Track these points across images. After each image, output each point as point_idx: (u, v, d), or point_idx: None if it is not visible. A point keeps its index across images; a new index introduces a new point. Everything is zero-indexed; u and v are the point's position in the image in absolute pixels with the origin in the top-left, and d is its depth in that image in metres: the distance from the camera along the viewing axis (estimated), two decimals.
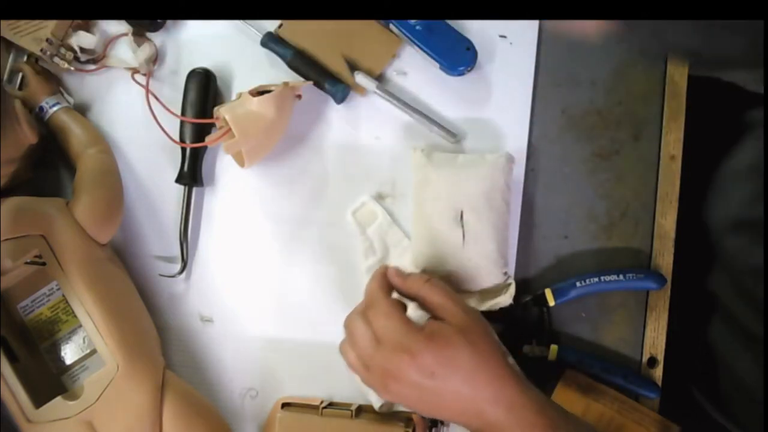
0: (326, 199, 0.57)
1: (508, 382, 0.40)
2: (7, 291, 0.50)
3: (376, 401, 0.53)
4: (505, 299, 0.52)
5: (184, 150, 0.56)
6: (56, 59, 0.57)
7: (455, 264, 0.52)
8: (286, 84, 0.54)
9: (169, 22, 0.59)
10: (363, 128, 0.58)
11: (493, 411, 0.39)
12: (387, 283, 0.46)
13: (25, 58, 0.58)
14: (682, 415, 0.52)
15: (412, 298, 0.46)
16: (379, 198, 0.57)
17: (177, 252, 0.57)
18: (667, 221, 0.55)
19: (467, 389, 0.40)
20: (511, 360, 0.43)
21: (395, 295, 0.46)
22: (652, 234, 0.55)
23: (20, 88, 0.58)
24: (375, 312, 0.43)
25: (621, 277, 0.52)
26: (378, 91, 0.56)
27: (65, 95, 0.58)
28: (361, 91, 0.57)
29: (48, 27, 0.55)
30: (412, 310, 0.47)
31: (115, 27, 0.59)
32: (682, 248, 0.55)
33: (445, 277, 0.52)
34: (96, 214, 0.52)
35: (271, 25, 0.58)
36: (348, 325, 0.45)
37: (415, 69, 0.58)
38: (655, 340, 0.54)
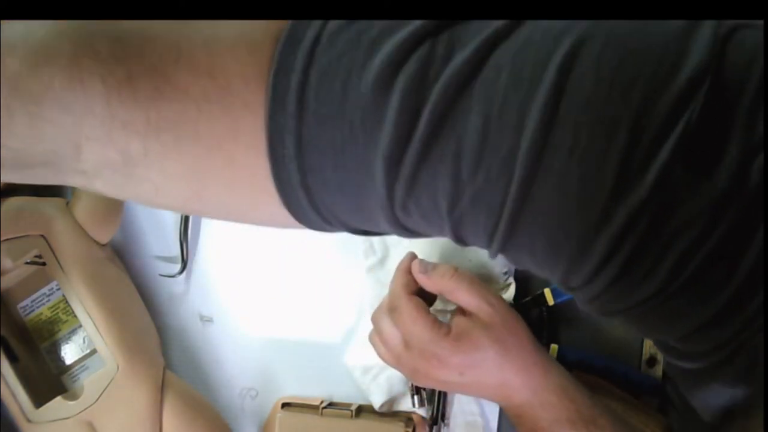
0: None
1: (534, 370, 0.42)
2: (7, 291, 0.50)
3: (376, 401, 0.53)
4: (505, 299, 0.52)
5: None
6: None
7: (455, 264, 0.52)
8: None
9: None
10: None
11: (518, 395, 0.42)
12: (411, 279, 0.45)
13: None
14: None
15: (439, 292, 0.46)
16: None
17: (177, 252, 0.57)
18: None
19: (495, 381, 0.42)
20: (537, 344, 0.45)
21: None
22: None
23: None
24: (400, 315, 0.43)
25: None
26: None
27: None
28: None
29: None
30: (440, 304, 0.48)
31: None
32: None
33: None
34: (96, 214, 0.52)
35: None
36: (375, 322, 0.45)
37: None
38: None
